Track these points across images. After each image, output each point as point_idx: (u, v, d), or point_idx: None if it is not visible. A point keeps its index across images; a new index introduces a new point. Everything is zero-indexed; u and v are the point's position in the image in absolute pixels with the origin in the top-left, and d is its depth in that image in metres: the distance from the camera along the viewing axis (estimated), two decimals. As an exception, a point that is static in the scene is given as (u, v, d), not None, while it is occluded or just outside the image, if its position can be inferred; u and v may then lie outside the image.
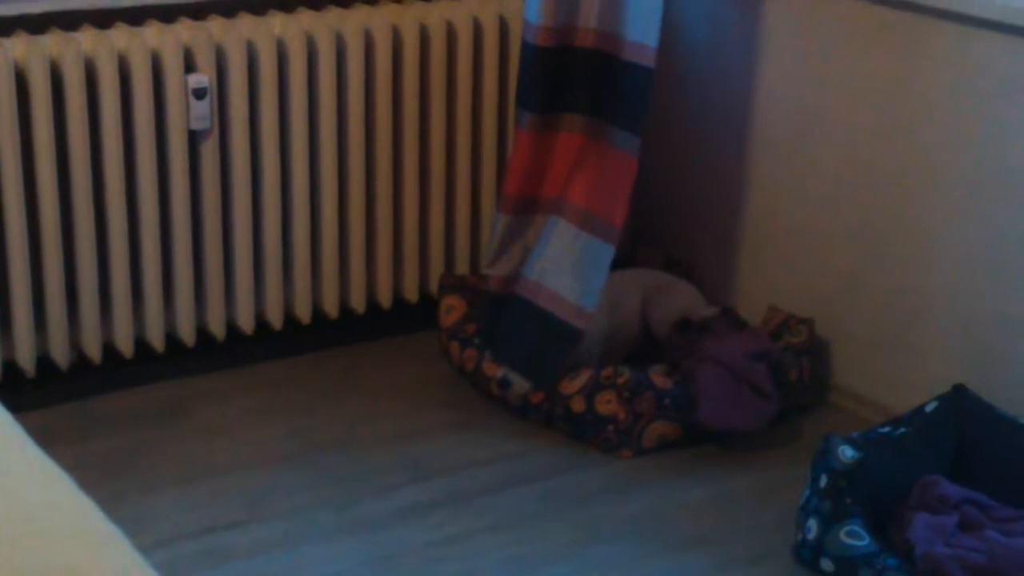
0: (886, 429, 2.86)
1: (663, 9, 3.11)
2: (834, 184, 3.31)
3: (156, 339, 3.32)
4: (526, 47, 3.26)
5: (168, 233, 3.28)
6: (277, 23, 3.28)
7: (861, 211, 3.26)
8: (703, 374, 3.13)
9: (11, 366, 3.20)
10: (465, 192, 3.61)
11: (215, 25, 3.22)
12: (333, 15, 3.34)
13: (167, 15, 3.23)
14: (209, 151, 3.25)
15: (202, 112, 3.20)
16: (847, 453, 2.68)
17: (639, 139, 3.15)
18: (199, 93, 3.18)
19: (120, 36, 3.11)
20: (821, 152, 3.33)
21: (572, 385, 3.15)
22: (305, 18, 3.31)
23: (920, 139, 3.10)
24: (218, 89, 3.23)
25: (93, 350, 3.25)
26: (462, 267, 3.65)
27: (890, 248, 3.21)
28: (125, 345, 3.28)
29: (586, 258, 3.19)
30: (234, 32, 3.20)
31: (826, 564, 2.66)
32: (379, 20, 3.37)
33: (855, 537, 2.64)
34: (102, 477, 2.89)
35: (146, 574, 1.44)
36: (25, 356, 3.18)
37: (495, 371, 3.24)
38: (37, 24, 3.09)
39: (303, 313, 3.48)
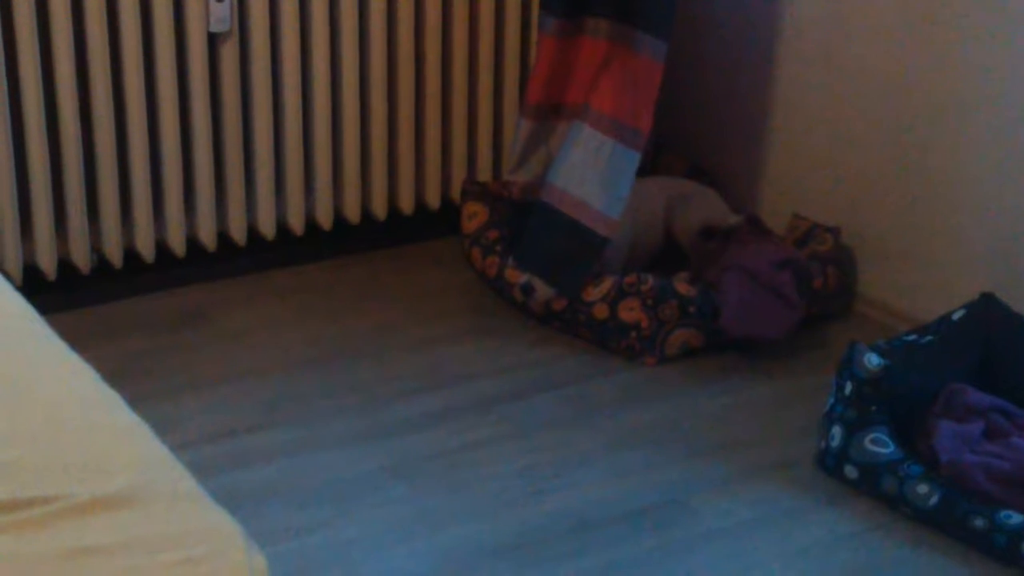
0: (912, 337, 2.84)
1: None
2: (861, 92, 3.26)
3: (177, 244, 3.31)
4: (551, -51, 3.22)
5: (188, 137, 3.25)
6: (298, -77, 3.23)
7: (888, 119, 3.22)
8: (727, 282, 3.11)
9: (32, 270, 3.19)
10: (487, 97, 3.57)
11: (235, -75, 3.18)
12: (354, -85, 3.30)
13: (186, -86, 3.20)
14: (229, 54, 3.22)
15: (222, 14, 3.17)
16: (872, 360, 2.66)
17: (665, 44, 3.10)
18: (219, -6, 3.15)
19: (139, -65, 3.07)
20: (849, 59, 3.28)
21: (595, 292, 3.13)
22: (326, -82, 3.26)
23: (951, 49, 3.05)
24: (238, -10, 3.19)
25: (114, 254, 3.24)
26: (484, 173, 3.63)
27: (918, 156, 3.17)
28: (146, 250, 3.27)
29: (612, 165, 3.16)
30: (254, -68, 3.16)
31: (850, 471, 2.65)
32: (401, -79, 3.33)
33: (880, 444, 2.63)
34: (123, 381, 2.81)
35: (172, 465, 1.44)
36: (46, 260, 3.17)
37: (517, 277, 3.23)
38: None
39: (324, 219, 3.46)
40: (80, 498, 1.37)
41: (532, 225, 3.27)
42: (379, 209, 3.53)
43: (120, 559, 1.32)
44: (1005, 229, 3.03)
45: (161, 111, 3.18)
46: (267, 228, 3.40)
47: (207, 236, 3.33)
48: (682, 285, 3.13)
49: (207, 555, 1.35)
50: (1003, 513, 2.47)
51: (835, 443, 2.67)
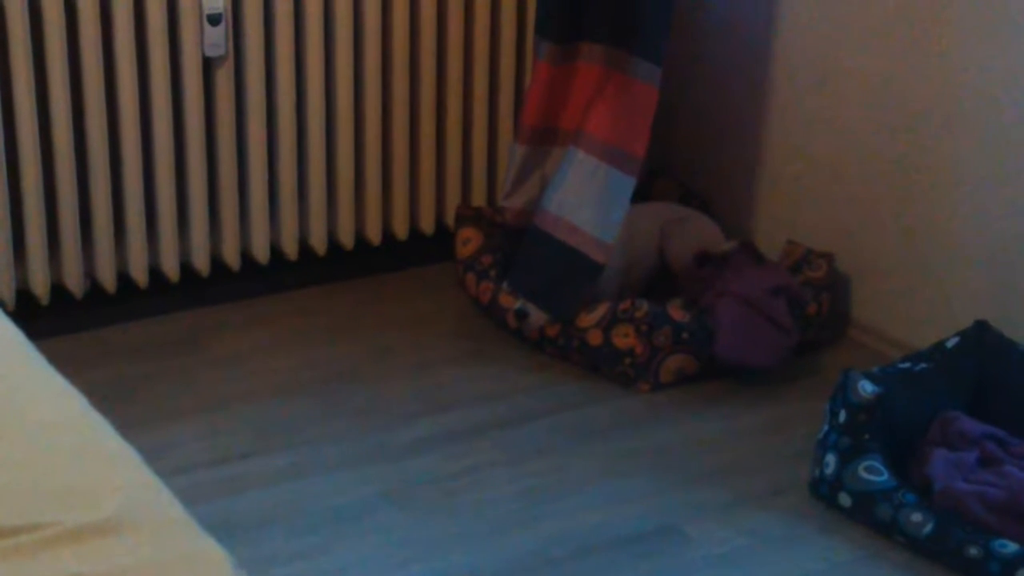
0: (906, 364, 2.84)
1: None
2: (855, 117, 3.27)
3: (170, 269, 3.30)
4: (545, -26, 3.22)
5: (182, 161, 3.25)
6: (293, -52, 3.24)
7: (882, 144, 3.22)
8: (721, 308, 3.11)
9: (25, 294, 3.19)
10: (482, 122, 3.57)
11: (230, -50, 3.18)
12: (350, -59, 3.30)
13: (182, -60, 3.20)
14: (223, 78, 3.22)
15: (216, 39, 3.17)
16: (866, 388, 2.65)
17: (660, 69, 3.11)
18: (214, 19, 3.15)
19: (134, -40, 3.07)
20: (843, 84, 3.28)
21: (589, 318, 3.12)
22: (321, -57, 3.27)
23: (947, 70, 3.06)
24: (233, 15, 3.19)
25: (107, 279, 3.24)
26: (479, 198, 3.63)
27: (912, 182, 3.17)
28: (139, 274, 3.27)
29: (607, 190, 3.16)
30: (249, -43, 3.16)
31: (844, 499, 2.64)
32: (397, -54, 3.33)
33: (873, 472, 2.62)
34: (115, 406, 2.80)
35: (160, 492, 1.43)
36: (39, 284, 3.16)
37: (511, 303, 3.22)
38: (50, -53, 3.06)
39: (318, 244, 3.45)
40: (68, 525, 1.36)
41: (526, 250, 3.27)
42: (373, 234, 3.52)
43: (108, 587, 1.32)
44: (999, 257, 3.02)
45: (155, 135, 3.18)
46: (261, 253, 3.40)
47: (201, 261, 3.33)
48: (676, 311, 3.13)
49: (195, 583, 1.34)
50: (998, 542, 2.46)
51: (829, 471, 2.66)
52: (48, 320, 3.18)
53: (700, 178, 3.69)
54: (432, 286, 3.54)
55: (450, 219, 3.59)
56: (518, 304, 3.20)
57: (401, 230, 3.56)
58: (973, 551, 2.46)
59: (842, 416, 2.67)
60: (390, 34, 3.38)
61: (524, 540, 2.57)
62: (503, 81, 3.56)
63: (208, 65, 3.20)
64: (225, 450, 2.81)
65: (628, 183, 3.15)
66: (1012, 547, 2.44)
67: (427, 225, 3.59)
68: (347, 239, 3.49)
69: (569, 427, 2.96)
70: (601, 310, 3.12)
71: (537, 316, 3.17)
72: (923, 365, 2.83)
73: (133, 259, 3.25)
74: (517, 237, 3.35)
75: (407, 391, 3.06)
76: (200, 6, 3.12)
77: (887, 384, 2.69)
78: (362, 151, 3.45)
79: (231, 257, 3.36)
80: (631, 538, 2.59)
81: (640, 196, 3.46)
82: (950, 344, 2.87)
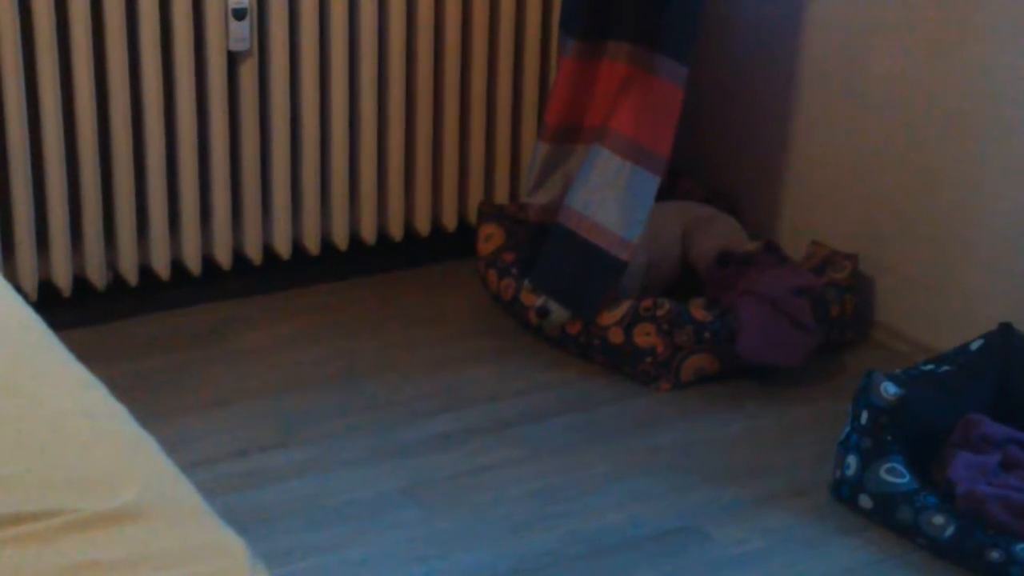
0: (930, 366, 2.82)
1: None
2: (881, 118, 3.25)
3: (193, 262, 3.30)
4: (571, -29, 3.21)
5: (206, 155, 3.26)
6: (319, -57, 3.24)
7: (908, 146, 3.21)
8: (744, 308, 3.10)
9: (48, 286, 3.19)
10: (506, 119, 3.57)
11: (256, -56, 3.19)
12: (376, -64, 3.30)
13: (208, -67, 3.20)
14: (248, 73, 3.22)
15: (242, 33, 3.17)
16: (889, 390, 2.64)
17: (686, 69, 3.10)
18: (239, 14, 3.15)
19: (160, -47, 3.08)
20: (869, 85, 3.27)
21: (611, 316, 3.12)
22: (347, -62, 3.27)
23: (972, 71, 3.04)
24: (258, 10, 3.19)
25: (129, 272, 3.24)
26: (501, 195, 3.62)
27: (938, 184, 3.16)
28: (162, 267, 3.27)
29: (631, 189, 3.15)
30: (275, -49, 3.17)
31: (865, 501, 2.63)
32: (422, -58, 3.33)
33: (895, 474, 2.61)
34: (136, 398, 2.83)
35: (178, 481, 1.43)
36: (62, 276, 3.17)
37: (533, 300, 3.22)
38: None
39: (340, 239, 3.46)
40: (85, 512, 1.37)
41: (549, 248, 3.26)
42: (395, 230, 3.52)
43: (124, 574, 1.31)
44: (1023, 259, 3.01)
45: (179, 129, 3.19)
46: (283, 247, 3.40)
47: (223, 255, 3.33)
48: (698, 311, 3.12)
49: (211, 573, 1.34)
50: (1020, 546, 2.44)
51: (850, 472, 2.65)
52: (70, 311, 3.18)
53: (725, 178, 3.68)
54: (453, 282, 3.54)
55: (472, 215, 3.59)
56: (540, 301, 3.19)
57: (423, 226, 3.56)
58: (995, 555, 2.45)
59: (864, 417, 2.66)
60: (414, 30, 3.38)
61: (542, 538, 2.56)
62: (527, 78, 3.56)
63: (233, 60, 3.21)
64: (245, 443, 2.81)
65: (652, 182, 3.14)
66: (1034, 551, 2.43)
67: (449, 221, 3.59)
68: (369, 234, 3.49)
69: (589, 425, 2.95)
70: (623, 308, 3.11)
71: (559, 314, 3.17)
72: (946, 367, 2.81)
73: (155, 252, 3.26)
74: (540, 234, 3.34)
75: (427, 387, 3.06)
76: (225, 1, 3.12)
77: (910, 386, 2.68)
78: (385, 147, 3.44)
79: (253, 251, 3.37)
80: (650, 538, 2.58)
81: (664, 195, 3.45)
82: (974, 346, 2.85)
